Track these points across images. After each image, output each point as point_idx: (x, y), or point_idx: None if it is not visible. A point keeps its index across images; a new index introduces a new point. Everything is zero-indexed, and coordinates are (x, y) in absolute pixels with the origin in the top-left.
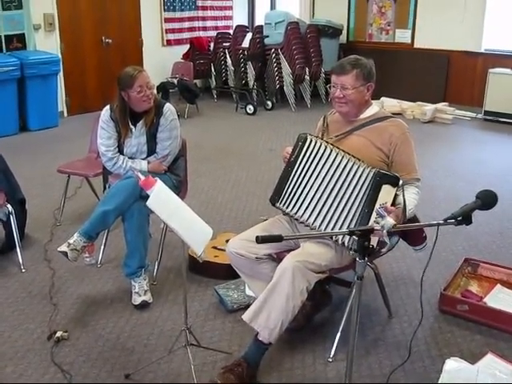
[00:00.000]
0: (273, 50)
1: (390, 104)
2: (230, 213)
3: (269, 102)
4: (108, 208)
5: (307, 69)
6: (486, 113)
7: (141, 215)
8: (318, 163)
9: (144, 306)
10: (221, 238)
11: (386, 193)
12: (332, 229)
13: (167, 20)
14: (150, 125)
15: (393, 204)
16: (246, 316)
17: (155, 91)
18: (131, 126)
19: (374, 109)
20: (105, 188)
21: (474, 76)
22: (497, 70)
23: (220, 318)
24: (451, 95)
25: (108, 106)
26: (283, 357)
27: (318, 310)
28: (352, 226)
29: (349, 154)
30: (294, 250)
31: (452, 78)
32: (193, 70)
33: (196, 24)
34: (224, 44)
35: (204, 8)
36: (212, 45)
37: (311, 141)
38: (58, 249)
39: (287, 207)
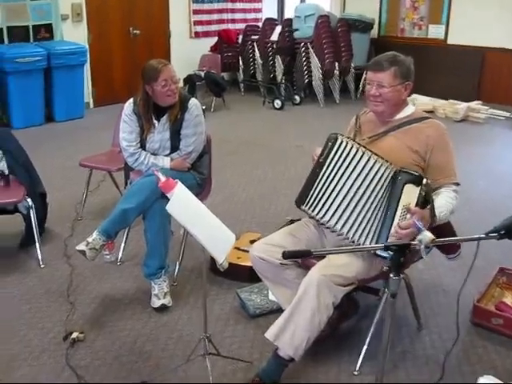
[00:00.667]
0: (302, 43)
1: (421, 101)
2: (254, 211)
3: (297, 97)
4: (129, 206)
5: (337, 64)
6: None
7: (162, 214)
8: (348, 166)
9: (163, 309)
10: (244, 239)
11: (409, 193)
12: (359, 234)
13: (196, 12)
14: (174, 120)
15: (423, 206)
16: (270, 334)
17: (181, 84)
18: (154, 121)
19: (410, 109)
20: (126, 184)
21: (510, 74)
22: None
23: (241, 323)
24: (485, 93)
25: (131, 100)
26: (306, 368)
27: (343, 319)
28: (378, 230)
29: (380, 157)
30: (318, 256)
31: (486, 75)
32: (220, 63)
33: (225, 16)
34: (253, 37)
35: (234, 0)
36: (240, 37)
37: (342, 142)
38: (77, 247)
39: (313, 210)
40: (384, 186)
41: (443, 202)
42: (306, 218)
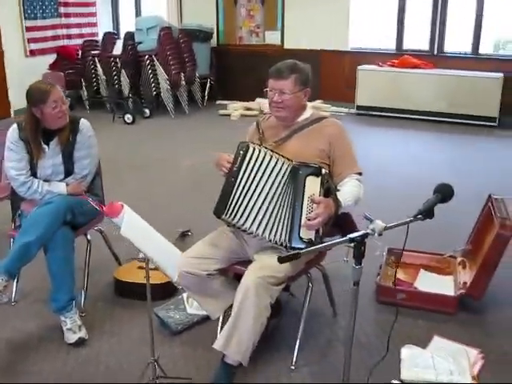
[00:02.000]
0: (147, 56)
1: (267, 105)
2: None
3: (146, 110)
4: (29, 239)
5: (182, 74)
6: (359, 107)
7: (66, 243)
8: (261, 171)
9: (80, 343)
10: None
11: (312, 184)
12: (275, 233)
13: (29, 29)
14: (65, 143)
15: (326, 195)
16: (218, 344)
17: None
18: (44, 146)
19: (308, 112)
20: (14, 217)
21: (343, 73)
22: (364, 66)
23: (166, 342)
24: (324, 93)
25: (15, 125)
26: (245, 371)
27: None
28: (289, 225)
29: (286, 158)
30: (242, 261)
31: (323, 76)
32: (64, 81)
33: (60, 32)
34: (92, 52)
35: (67, 15)
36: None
37: (254, 149)
38: None
39: (233, 218)
40: (288, 183)
41: (348, 190)
42: (222, 227)
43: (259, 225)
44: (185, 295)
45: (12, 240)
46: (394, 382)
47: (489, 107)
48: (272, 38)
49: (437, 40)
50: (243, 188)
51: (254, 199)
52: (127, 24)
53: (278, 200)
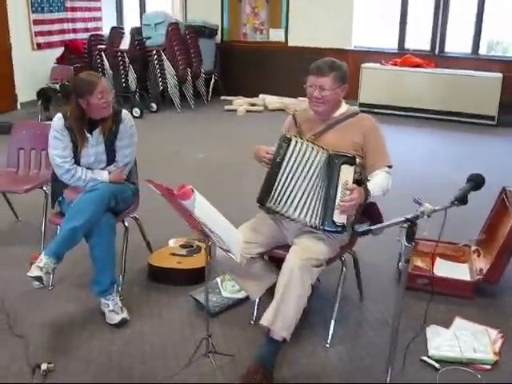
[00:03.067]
0: (154, 51)
1: (271, 101)
2: (165, 217)
3: (153, 105)
4: (76, 224)
5: (189, 69)
6: (361, 105)
7: (110, 229)
8: (305, 162)
9: (122, 323)
10: (175, 244)
11: (345, 172)
12: (314, 217)
13: (36, 22)
14: (108, 132)
15: (358, 183)
16: (265, 320)
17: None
18: (88, 135)
19: (344, 107)
20: (54, 203)
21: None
22: (368, 64)
23: (205, 323)
24: None
25: (59, 115)
26: (284, 349)
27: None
28: (321, 210)
29: (324, 148)
30: (281, 246)
31: None
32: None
33: (66, 26)
34: (99, 46)
35: (73, 9)
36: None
37: (296, 142)
38: (29, 274)
39: (277, 206)
40: (324, 170)
41: (377, 181)
42: (260, 214)
43: (298, 210)
44: (219, 279)
45: (56, 226)
46: (423, 358)
47: (488, 106)
48: (276, 35)
49: (438, 40)
50: (286, 177)
51: (296, 187)
52: (131, 19)
53: (314, 186)
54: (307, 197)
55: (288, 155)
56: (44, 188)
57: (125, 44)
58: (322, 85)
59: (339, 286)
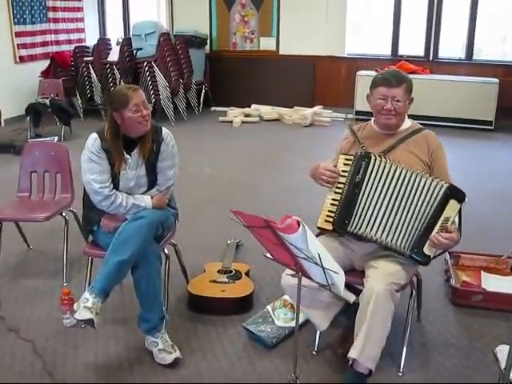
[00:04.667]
0: (146, 62)
1: (265, 111)
2: (193, 238)
3: None
4: (124, 257)
5: (181, 81)
6: (357, 113)
7: (157, 259)
8: (389, 181)
9: (176, 363)
10: (211, 270)
11: (451, 208)
12: (400, 239)
13: (18, 34)
14: (148, 153)
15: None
16: (354, 353)
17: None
18: (127, 156)
19: (408, 121)
20: (87, 233)
21: (340, 79)
22: (363, 72)
23: (265, 356)
24: (320, 99)
25: (95, 135)
26: None
27: None
28: (416, 237)
29: (419, 170)
30: (348, 270)
31: (319, 82)
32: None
33: (48, 38)
34: (85, 59)
35: (55, 20)
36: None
37: (375, 159)
38: (79, 317)
39: (359, 229)
40: (427, 196)
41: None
42: (323, 237)
43: (383, 231)
44: (269, 308)
45: (89, 258)
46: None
47: (485, 111)
48: (267, 43)
49: (432, 46)
50: (367, 197)
51: (379, 207)
52: (114, 30)
53: (408, 210)
54: (395, 217)
55: (368, 174)
56: (63, 214)
57: (113, 56)
58: (395, 96)
59: (409, 311)
